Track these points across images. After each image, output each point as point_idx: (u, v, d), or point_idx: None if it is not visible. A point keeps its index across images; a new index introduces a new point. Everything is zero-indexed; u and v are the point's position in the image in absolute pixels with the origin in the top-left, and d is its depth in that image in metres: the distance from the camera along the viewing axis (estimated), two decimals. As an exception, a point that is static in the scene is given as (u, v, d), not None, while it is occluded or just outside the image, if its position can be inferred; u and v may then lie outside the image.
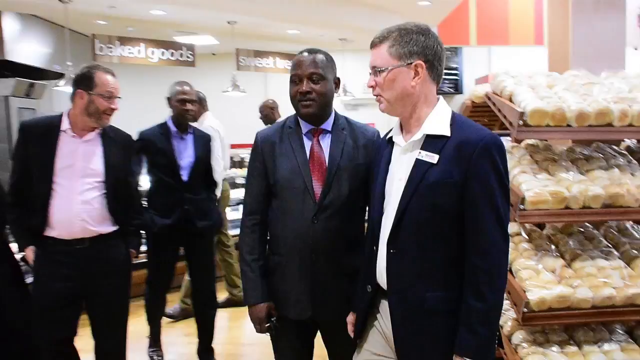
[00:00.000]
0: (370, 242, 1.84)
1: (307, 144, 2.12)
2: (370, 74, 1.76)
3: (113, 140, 2.79)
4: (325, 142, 2.12)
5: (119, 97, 2.75)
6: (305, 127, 2.13)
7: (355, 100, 9.62)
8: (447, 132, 1.65)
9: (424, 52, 1.67)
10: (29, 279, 2.81)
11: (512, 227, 2.64)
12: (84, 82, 2.68)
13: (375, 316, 1.85)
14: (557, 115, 2.37)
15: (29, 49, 6.90)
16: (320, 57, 2.08)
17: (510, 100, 2.55)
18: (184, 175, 3.57)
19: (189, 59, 7.37)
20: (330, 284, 2.06)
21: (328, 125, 2.13)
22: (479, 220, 1.61)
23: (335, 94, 2.14)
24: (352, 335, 1.98)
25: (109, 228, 2.73)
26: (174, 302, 4.61)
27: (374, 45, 1.74)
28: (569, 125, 2.39)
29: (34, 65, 6.96)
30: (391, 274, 1.72)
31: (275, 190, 2.11)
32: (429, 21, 7.46)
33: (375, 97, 1.80)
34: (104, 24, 7.34)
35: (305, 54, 2.10)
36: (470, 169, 1.60)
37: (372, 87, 1.75)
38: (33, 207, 2.67)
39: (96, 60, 6.48)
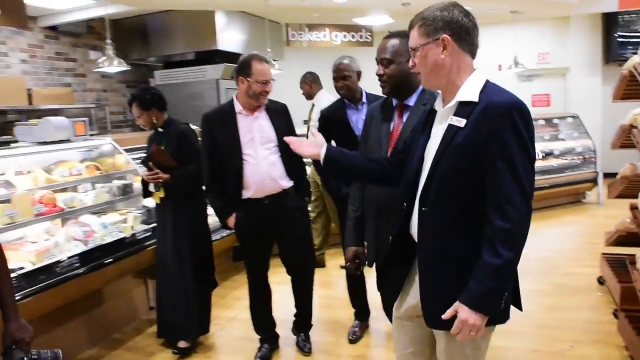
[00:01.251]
0: (401, 198, 1.97)
1: (395, 118, 2.51)
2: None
3: (275, 111, 3.33)
4: (406, 117, 2.48)
5: (273, 80, 3.22)
6: (394, 102, 2.54)
7: (529, 71, 9.53)
8: (475, 98, 1.73)
9: (449, 26, 1.76)
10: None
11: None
12: (243, 70, 3.17)
13: (415, 270, 1.94)
14: None
15: (234, 39, 8.05)
16: (392, 42, 2.46)
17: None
18: None
19: (367, 40, 8.05)
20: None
21: (410, 101, 2.48)
22: (497, 180, 1.66)
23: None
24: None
25: (288, 183, 3.32)
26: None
27: (409, 30, 1.87)
28: None
29: (238, 52, 8.15)
30: (421, 229, 1.85)
31: None
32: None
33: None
34: (294, 13, 8.26)
35: (383, 40, 2.51)
36: (491, 130, 1.66)
37: (412, 66, 1.88)
38: (228, 178, 3.26)
39: (289, 45, 7.47)
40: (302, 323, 3.71)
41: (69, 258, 3.58)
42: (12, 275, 3.23)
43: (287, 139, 2.16)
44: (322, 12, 8.22)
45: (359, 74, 3.58)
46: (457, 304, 1.71)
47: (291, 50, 8.42)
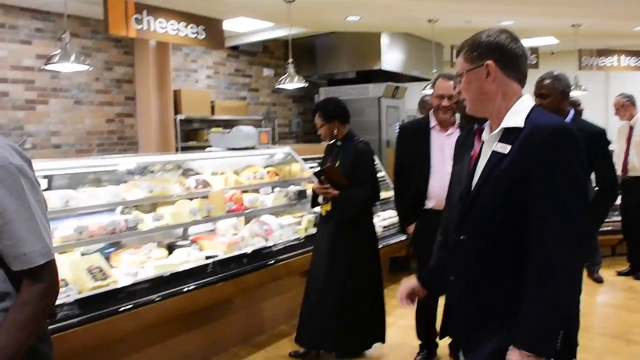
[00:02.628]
0: (450, 230, 1.95)
1: (475, 144, 2.22)
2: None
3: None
4: None
5: (452, 96, 3.37)
6: (475, 127, 2.38)
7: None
8: (521, 123, 1.64)
9: (493, 52, 1.70)
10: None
11: None
12: (432, 87, 3.63)
13: None
14: None
15: (397, 59, 8.36)
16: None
17: None
18: None
19: (531, 62, 7.92)
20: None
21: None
22: (540, 212, 1.55)
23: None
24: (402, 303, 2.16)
25: None
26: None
27: (457, 55, 1.84)
28: None
29: (399, 72, 8.48)
30: (457, 259, 1.78)
31: None
32: None
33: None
34: (458, 35, 8.39)
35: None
36: (536, 156, 1.56)
37: (459, 92, 1.83)
38: (412, 187, 3.53)
39: (453, 66, 7.63)
40: None
41: (253, 251, 4.07)
42: (209, 261, 3.76)
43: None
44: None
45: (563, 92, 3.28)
46: (510, 347, 1.58)
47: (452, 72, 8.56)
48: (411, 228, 3.62)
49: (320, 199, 3.84)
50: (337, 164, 3.75)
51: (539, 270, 1.54)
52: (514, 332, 1.57)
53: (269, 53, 8.83)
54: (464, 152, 2.58)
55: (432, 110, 3.59)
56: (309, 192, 4.81)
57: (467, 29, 7.75)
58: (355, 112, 8.33)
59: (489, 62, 1.70)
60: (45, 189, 3.59)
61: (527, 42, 8.34)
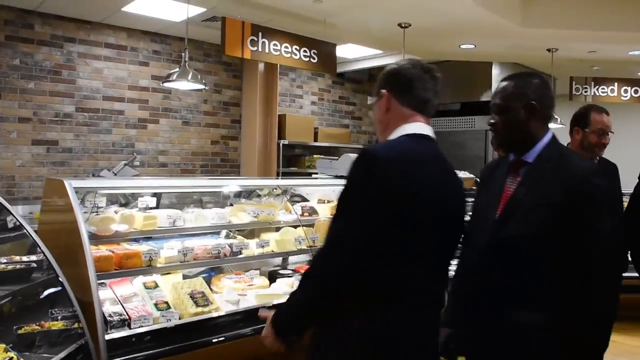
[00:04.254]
0: None
1: (509, 177, 1.97)
2: None
3: (604, 170, 3.24)
4: (522, 175, 1.93)
5: (612, 133, 3.14)
6: (511, 157, 1.99)
7: None
8: None
9: (388, 80, 1.78)
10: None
11: None
12: (579, 120, 3.19)
13: None
14: None
15: (507, 91, 7.95)
16: (505, 85, 1.94)
17: None
18: None
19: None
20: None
21: (530, 157, 1.90)
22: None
23: (536, 120, 1.89)
24: None
25: None
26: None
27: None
28: None
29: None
30: None
31: None
32: None
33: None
34: (574, 66, 7.87)
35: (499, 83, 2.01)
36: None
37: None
38: None
39: (572, 99, 7.11)
40: None
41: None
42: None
43: None
44: (606, 66, 7.70)
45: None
46: None
47: (567, 105, 8.02)
48: None
49: None
50: None
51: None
52: None
53: (373, 81, 8.64)
54: (492, 181, 2.10)
55: (567, 144, 3.21)
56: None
57: (588, 60, 7.36)
58: (458, 146, 8.09)
59: (383, 91, 1.77)
60: (153, 207, 3.55)
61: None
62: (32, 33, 5.54)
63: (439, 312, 1.76)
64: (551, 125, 4.87)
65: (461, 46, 6.48)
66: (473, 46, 6.46)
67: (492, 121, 1.95)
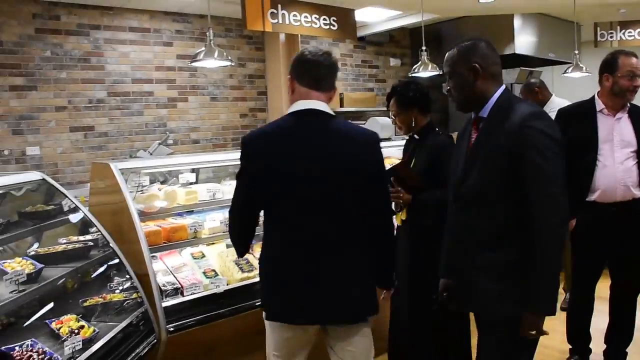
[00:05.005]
0: None
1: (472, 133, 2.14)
2: None
3: (638, 115, 3.17)
4: (479, 129, 2.10)
5: None
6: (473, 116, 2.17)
7: None
8: None
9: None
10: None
11: None
12: (608, 66, 3.14)
13: None
14: None
15: (530, 42, 7.82)
16: (450, 53, 2.12)
17: None
18: None
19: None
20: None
21: (484, 112, 2.07)
22: None
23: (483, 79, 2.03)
24: None
25: None
26: None
27: None
28: None
29: (533, 56, 7.95)
30: None
31: None
32: None
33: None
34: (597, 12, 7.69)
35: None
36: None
37: None
38: (575, 177, 2.96)
39: (598, 46, 7.02)
40: (620, 339, 3.45)
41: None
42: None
43: None
44: (633, 8, 7.52)
45: None
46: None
47: (592, 52, 7.90)
48: (572, 223, 3.23)
49: (393, 204, 3.04)
50: (412, 162, 3.08)
51: None
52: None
53: (394, 42, 8.65)
54: (461, 140, 2.28)
55: (597, 92, 3.23)
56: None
57: (608, 4, 7.18)
58: (486, 100, 8.04)
59: (289, 76, 2.18)
60: (193, 182, 3.73)
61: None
62: (59, 24, 5.72)
63: (326, 246, 2.09)
64: (576, 74, 4.84)
65: (480, 1, 6.42)
66: (492, 0, 6.40)
67: (447, 87, 2.15)
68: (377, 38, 8.28)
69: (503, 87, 2.07)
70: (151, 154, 5.51)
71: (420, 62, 5.55)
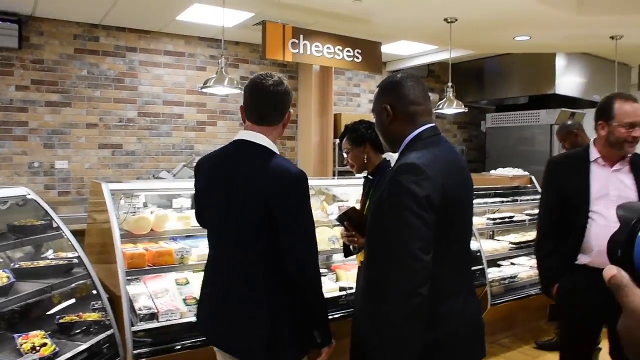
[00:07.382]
0: None
1: None
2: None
3: None
4: None
5: None
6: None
7: None
8: None
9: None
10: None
11: None
12: (602, 113, 2.69)
13: None
14: None
15: (573, 82, 7.60)
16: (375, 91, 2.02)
17: None
18: None
19: None
20: None
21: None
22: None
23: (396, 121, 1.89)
24: None
25: None
26: None
27: None
28: None
29: (576, 97, 7.69)
30: None
31: None
32: None
33: None
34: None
35: None
36: None
37: None
38: (565, 236, 2.75)
39: (638, 89, 6.73)
40: None
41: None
42: (342, 293, 3.60)
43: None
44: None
45: None
46: None
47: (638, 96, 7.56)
48: (553, 291, 2.87)
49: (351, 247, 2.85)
50: (367, 203, 2.87)
51: None
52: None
53: (434, 77, 8.57)
54: None
55: (593, 141, 2.85)
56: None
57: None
58: (523, 141, 7.84)
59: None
60: (188, 208, 3.74)
61: None
62: (98, 45, 5.95)
63: (233, 275, 2.12)
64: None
65: (515, 38, 6.28)
66: (528, 37, 6.25)
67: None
68: (416, 72, 8.21)
69: (421, 128, 1.85)
70: (174, 175, 5.61)
71: (445, 99, 5.45)
